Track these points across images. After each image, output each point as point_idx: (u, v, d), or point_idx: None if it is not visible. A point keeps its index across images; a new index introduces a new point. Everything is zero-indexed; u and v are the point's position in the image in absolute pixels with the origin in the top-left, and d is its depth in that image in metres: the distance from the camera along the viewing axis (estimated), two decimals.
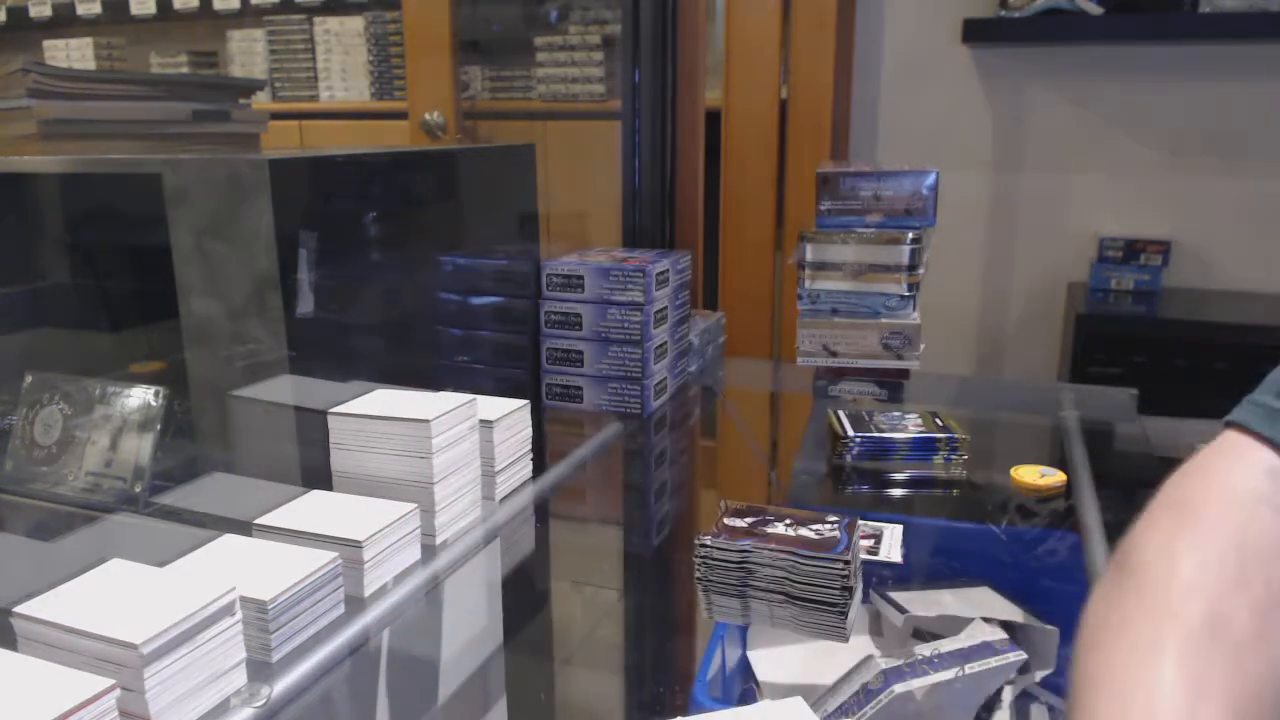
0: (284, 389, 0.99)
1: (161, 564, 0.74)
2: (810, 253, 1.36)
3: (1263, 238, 2.16)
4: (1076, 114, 2.23)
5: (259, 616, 0.72)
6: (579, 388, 1.38)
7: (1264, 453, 0.55)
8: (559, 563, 1.07)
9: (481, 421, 0.99)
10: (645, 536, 1.12)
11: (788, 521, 0.73)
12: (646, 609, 0.98)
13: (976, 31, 2.17)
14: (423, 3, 2.66)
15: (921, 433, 1.18)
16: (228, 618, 0.67)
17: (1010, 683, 0.70)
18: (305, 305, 0.99)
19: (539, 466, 1.12)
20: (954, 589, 0.80)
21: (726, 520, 0.73)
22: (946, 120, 2.32)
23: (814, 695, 0.70)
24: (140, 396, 1.06)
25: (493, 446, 1.01)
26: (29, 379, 1.12)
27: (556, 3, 2.76)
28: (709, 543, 0.70)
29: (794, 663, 0.76)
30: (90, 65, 3.15)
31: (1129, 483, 1.10)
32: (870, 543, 0.88)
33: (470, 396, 0.96)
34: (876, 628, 0.81)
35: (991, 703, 0.69)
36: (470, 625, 0.89)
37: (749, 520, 0.73)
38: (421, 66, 2.70)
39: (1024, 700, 0.72)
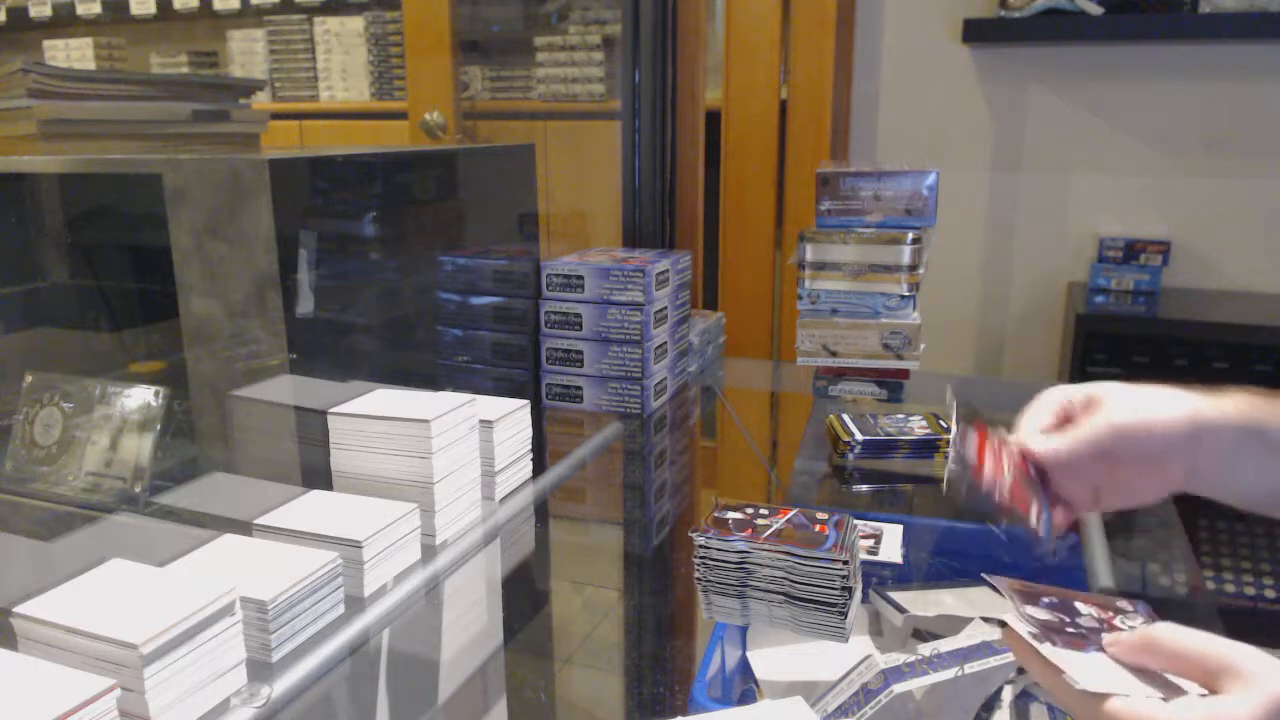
0: (284, 389, 0.99)
1: (161, 564, 0.74)
2: (810, 253, 1.36)
3: (1263, 238, 2.16)
4: (1076, 114, 2.23)
5: (259, 616, 0.72)
6: (579, 388, 1.38)
7: None
8: (559, 563, 1.07)
9: (481, 421, 0.99)
10: (645, 536, 1.12)
11: (782, 520, 0.73)
12: (646, 609, 0.98)
13: (976, 31, 2.17)
14: (423, 3, 2.66)
15: (924, 434, 1.18)
16: (228, 618, 0.67)
17: (1010, 682, 0.70)
18: (305, 305, 0.99)
19: (539, 466, 1.12)
20: (954, 589, 0.80)
21: (715, 515, 0.73)
22: (946, 120, 2.32)
23: (814, 695, 0.70)
24: (140, 396, 1.06)
25: (493, 446, 1.01)
26: (29, 379, 1.12)
27: (556, 3, 2.76)
28: (708, 542, 0.70)
29: (794, 663, 0.76)
30: (90, 65, 3.15)
31: None
32: (870, 543, 0.88)
33: (470, 396, 0.96)
34: (876, 628, 0.81)
35: (991, 703, 0.69)
36: (470, 625, 0.89)
37: (738, 515, 0.73)
38: (421, 66, 2.70)
39: (1024, 700, 0.72)
